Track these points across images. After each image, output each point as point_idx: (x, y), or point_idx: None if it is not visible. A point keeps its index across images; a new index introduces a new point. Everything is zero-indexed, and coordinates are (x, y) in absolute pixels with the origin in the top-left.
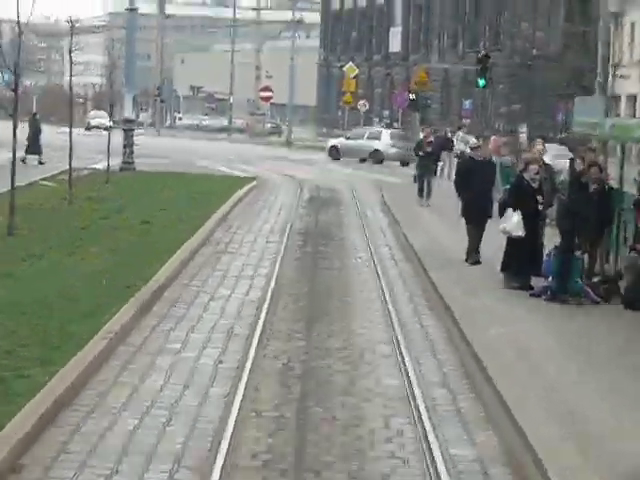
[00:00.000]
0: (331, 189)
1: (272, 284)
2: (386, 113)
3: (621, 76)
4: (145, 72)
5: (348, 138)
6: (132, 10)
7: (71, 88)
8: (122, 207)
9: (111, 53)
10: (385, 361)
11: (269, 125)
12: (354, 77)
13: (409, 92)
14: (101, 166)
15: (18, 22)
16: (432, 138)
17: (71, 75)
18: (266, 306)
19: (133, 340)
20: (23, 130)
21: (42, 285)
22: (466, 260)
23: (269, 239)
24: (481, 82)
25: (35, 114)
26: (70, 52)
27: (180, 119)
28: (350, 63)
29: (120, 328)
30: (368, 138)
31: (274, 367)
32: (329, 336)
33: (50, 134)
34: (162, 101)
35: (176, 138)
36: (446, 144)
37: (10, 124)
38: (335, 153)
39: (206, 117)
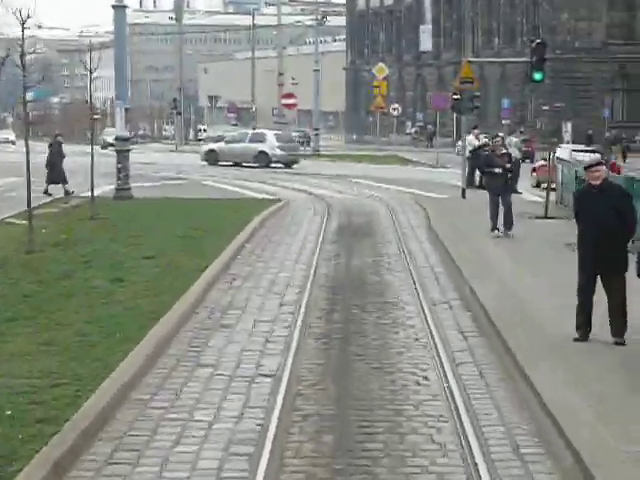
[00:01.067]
0: (373, 212)
1: (279, 401)
2: (420, 116)
3: None
4: (170, 84)
5: (228, 142)
6: (119, 7)
7: (91, 106)
8: (93, 256)
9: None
10: None
11: (296, 134)
12: (384, 78)
13: (454, 92)
14: (101, 191)
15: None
16: (505, 149)
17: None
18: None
19: None
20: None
21: None
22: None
23: (284, 299)
24: (537, 75)
25: (58, 135)
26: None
27: (205, 131)
28: (380, 63)
29: None
30: (251, 141)
31: None
32: None
33: (68, 155)
34: (179, 114)
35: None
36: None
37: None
38: (213, 158)
39: (233, 128)
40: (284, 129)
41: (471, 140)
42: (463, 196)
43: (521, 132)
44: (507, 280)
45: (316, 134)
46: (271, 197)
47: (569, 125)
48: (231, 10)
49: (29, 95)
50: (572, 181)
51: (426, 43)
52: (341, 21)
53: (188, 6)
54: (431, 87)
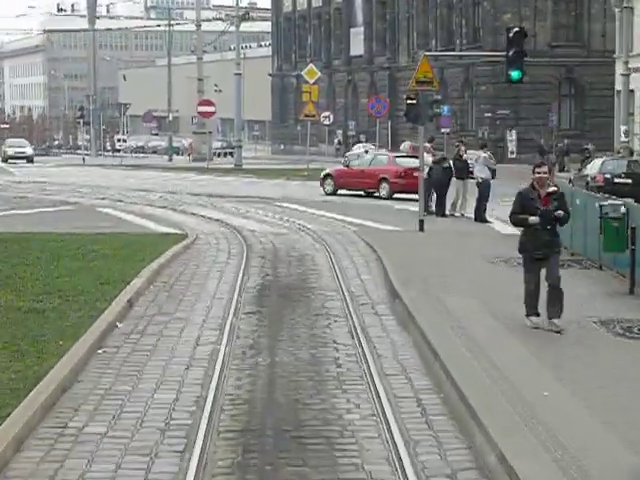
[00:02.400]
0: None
1: None
2: (352, 125)
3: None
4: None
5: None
6: None
7: None
8: None
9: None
10: None
11: (220, 144)
12: (315, 82)
13: (408, 96)
14: None
15: None
16: (555, 186)
17: None
18: None
19: None
20: None
21: None
22: None
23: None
24: (515, 74)
25: None
26: None
27: (124, 141)
28: (310, 65)
29: None
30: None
31: None
32: None
33: None
34: (86, 123)
35: (103, 168)
36: (463, 170)
37: None
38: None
39: (155, 137)
40: (204, 139)
41: (487, 159)
42: (421, 229)
43: (461, 142)
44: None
45: (238, 145)
46: (176, 231)
47: (514, 133)
48: (153, 15)
49: None
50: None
51: (357, 47)
52: (267, 27)
53: (108, 11)
54: (363, 94)
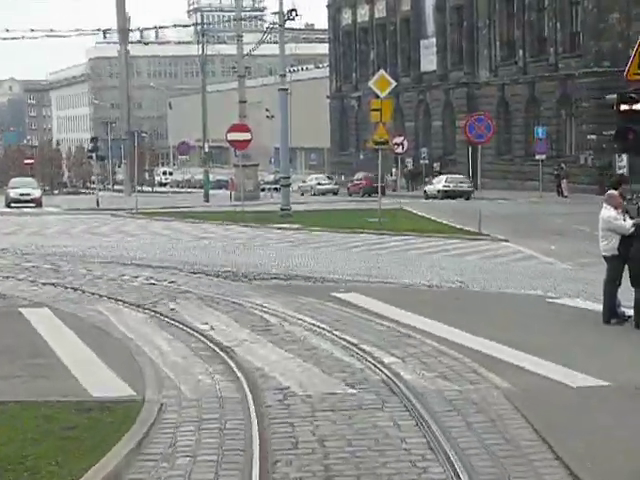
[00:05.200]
0: None
1: None
2: (424, 151)
3: None
4: (138, 121)
5: None
6: None
7: None
8: None
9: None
10: None
11: (273, 177)
12: (387, 98)
13: (625, 99)
14: None
15: None
16: None
17: None
18: None
19: None
20: None
21: None
22: None
23: None
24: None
25: None
26: None
27: (170, 174)
28: (381, 72)
29: None
30: None
31: None
32: None
33: None
34: (101, 158)
35: (113, 216)
36: None
37: None
38: None
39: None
40: (249, 174)
41: (608, 214)
42: None
43: (560, 167)
44: None
45: (284, 184)
46: (118, 394)
47: (624, 159)
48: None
49: None
50: None
51: (429, 61)
52: (325, 49)
53: (157, 37)
54: (436, 115)
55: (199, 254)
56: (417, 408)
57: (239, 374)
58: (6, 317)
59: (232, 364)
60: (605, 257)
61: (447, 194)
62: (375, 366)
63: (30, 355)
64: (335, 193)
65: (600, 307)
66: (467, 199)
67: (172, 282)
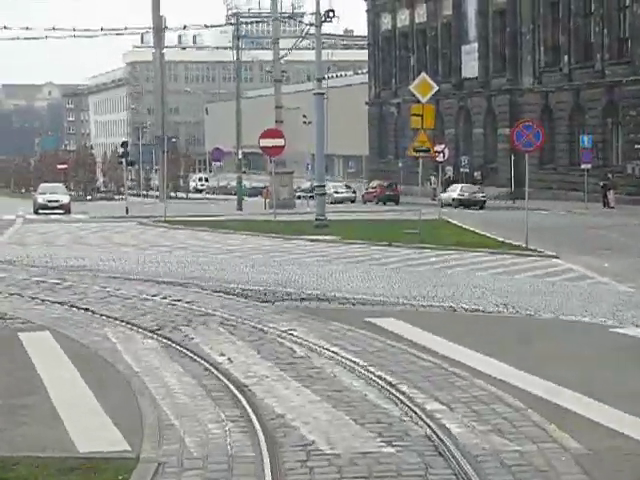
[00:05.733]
0: None
1: None
2: (464, 159)
3: None
4: (174, 127)
5: None
6: None
7: None
8: None
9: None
10: None
11: (310, 184)
12: (429, 102)
13: None
14: None
15: None
16: None
17: None
18: None
19: None
20: None
21: None
22: None
23: None
24: None
25: None
26: None
27: (206, 180)
28: (422, 75)
29: None
30: None
31: None
32: None
33: None
34: (131, 164)
35: (140, 224)
36: None
37: None
38: None
39: (243, 175)
40: (284, 181)
41: None
42: None
43: (606, 177)
44: None
45: (320, 192)
46: (112, 448)
47: None
48: (243, 45)
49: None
50: None
51: (470, 67)
52: (364, 55)
53: (195, 42)
54: (478, 122)
55: (224, 269)
56: (469, 476)
57: (256, 423)
58: (1, 344)
59: (249, 409)
60: None
61: (461, 202)
62: (417, 414)
63: (16, 393)
64: (352, 201)
65: None
66: (481, 208)
67: (190, 302)
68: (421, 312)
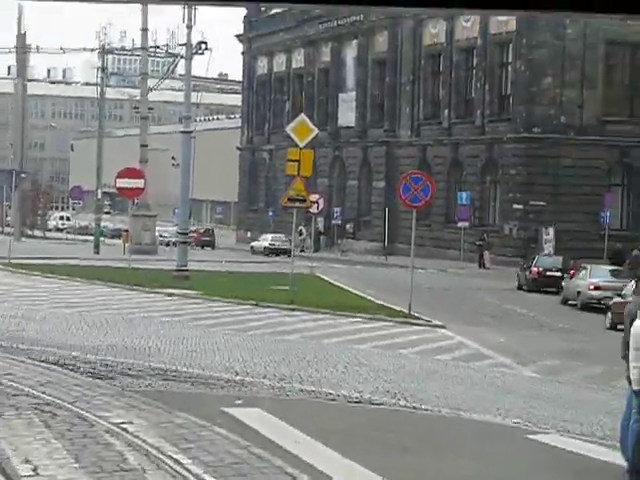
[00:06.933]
0: None
1: None
2: (337, 211)
3: None
4: (38, 163)
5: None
6: None
7: None
8: None
9: None
10: None
11: (175, 229)
12: (306, 146)
13: None
14: None
15: None
16: None
17: None
18: None
19: None
20: None
21: None
22: None
23: None
24: None
25: None
26: None
27: (68, 219)
28: (302, 116)
29: None
30: None
31: None
32: None
33: None
34: None
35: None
36: None
37: None
38: None
39: (106, 216)
40: (146, 225)
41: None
42: None
43: (482, 238)
44: None
45: (181, 241)
46: None
47: (551, 231)
48: (113, 82)
49: None
50: None
51: (347, 116)
52: (238, 100)
53: (64, 76)
54: (352, 173)
55: (60, 329)
56: None
57: None
58: None
59: None
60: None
61: (272, 251)
62: None
63: None
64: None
65: (609, 453)
66: (288, 256)
67: (5, 374)
68: (291, 400)
